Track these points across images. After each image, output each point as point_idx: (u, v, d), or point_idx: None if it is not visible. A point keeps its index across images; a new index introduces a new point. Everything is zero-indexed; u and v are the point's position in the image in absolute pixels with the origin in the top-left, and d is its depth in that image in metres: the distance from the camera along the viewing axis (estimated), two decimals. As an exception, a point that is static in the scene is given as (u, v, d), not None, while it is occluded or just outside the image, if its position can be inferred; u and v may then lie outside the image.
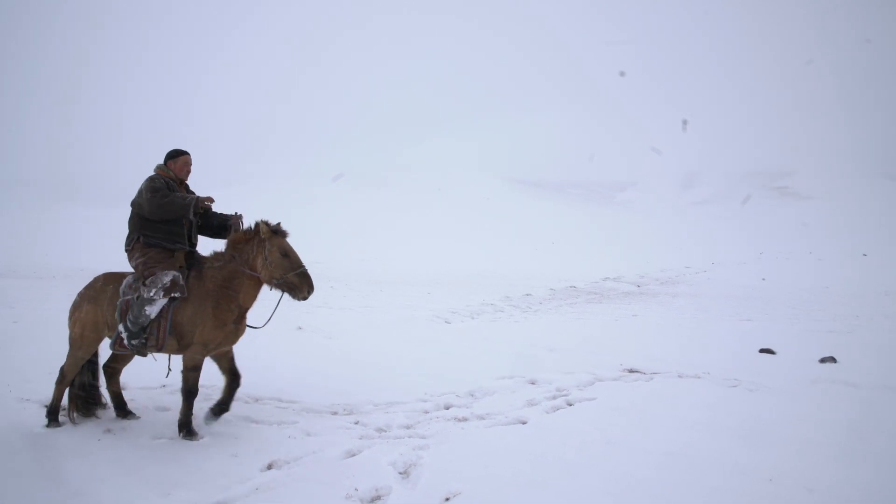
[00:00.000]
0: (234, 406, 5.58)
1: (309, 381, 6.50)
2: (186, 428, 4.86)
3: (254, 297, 5.14)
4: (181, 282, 4.88)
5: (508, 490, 3.92)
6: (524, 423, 5.27)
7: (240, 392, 5.93)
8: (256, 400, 5.84)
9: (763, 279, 23.32)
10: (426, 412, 5.57)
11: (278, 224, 5.09)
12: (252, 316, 5.27)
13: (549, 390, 6.26)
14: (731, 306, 15.15)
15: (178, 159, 5.31)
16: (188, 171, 5.38)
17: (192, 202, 5.01)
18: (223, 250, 5.13)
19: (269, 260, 4.93)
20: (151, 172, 5.25)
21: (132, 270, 5.18)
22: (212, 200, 5.21)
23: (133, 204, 5.13)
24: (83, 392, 5.21)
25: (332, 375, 6.78)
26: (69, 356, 5.10)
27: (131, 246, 5.08)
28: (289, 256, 4.97)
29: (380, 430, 5.06)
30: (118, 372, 5.44)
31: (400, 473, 4.21)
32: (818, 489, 3.92)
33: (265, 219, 5.09)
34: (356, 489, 3.90)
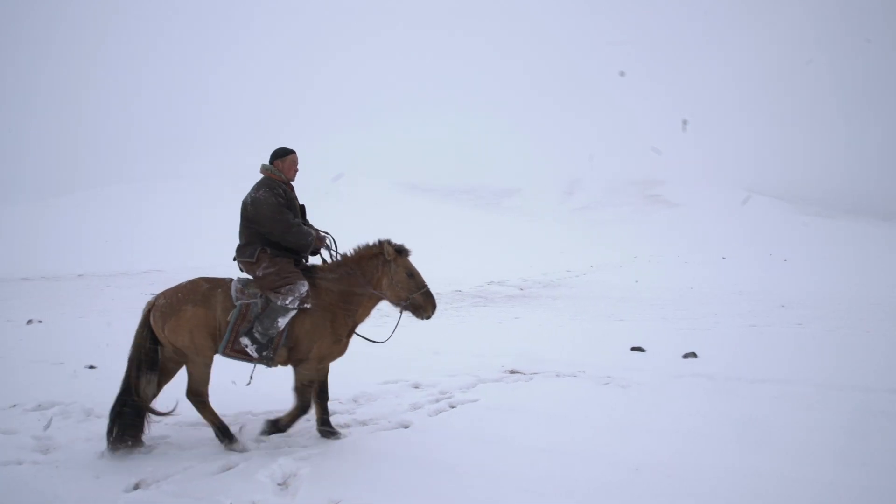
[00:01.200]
0: (98, 423, 5.21)
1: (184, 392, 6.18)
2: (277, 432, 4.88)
3: (368, 314, 5.12)
4: (309, 294, 4.77)
5: (390, 495, 3.92)
6: (407, 427, 5.30)
7: (106, 408, 5.56)
8: (124, 416, 5.46)
9: (636, 281, 24.85)
10: (307, 420, 5.43)
11: (402, 244, 5.08)
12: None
13: (433, 393, 6.33)
14: (607, 307, 16.02)
15: (285, 159, 5.08)
16: (296, 171, 5.16)
17: (311, 243, 4.89)
18: (339, 262, 5.05)
19: (395, 280, 4.95)
20: (260, 175, 5.04)
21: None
22: (324, 244, 5.11)
23: (248, 213, 4.87)
24: (130, 415, 4.57)
25: (212, 388, 6.48)
26: (191, 368, 4.70)
27: (256, 257, 4.79)
28: (413, 276, 5.01)
29: (258, 440, 4.89)
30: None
31: (278, 485, 4.10)
32: (677, 475, 4.23)
33: (388, 238, 5.07)
34: (231, 504, 3.76)
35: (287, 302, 4.64)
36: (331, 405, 5.83)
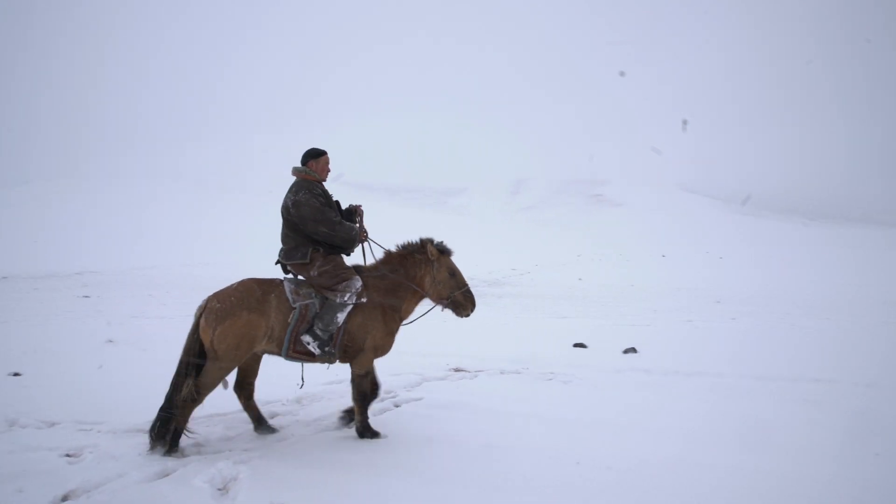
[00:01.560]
0: (22, 434, 4.97)
1: (118, 398, 5.95)
2: (369, 431, 4.93)
3: (412, 311, 5.24)
4: (363, 289, 4.94)
5: (333, 497, 3.87)
6: (351, 427, 5.25)
7: (32, 417, 5.32)
8: (52, 424, 5.21)
9: (580, 279, 25.32)
10: (249, 422, 5.34)
11: (443, 243, 5.25)
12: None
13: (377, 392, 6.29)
14: (550, 305, 16.26)
15: (319, 160, 5.15)
16: (328, 171, 5.22)
17: (355, 237, 5.06)
18: (382, 260, 5.22)
19: (438, 279, 5.12)
20: (294, 177, 5.11)
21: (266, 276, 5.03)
22: (365, 236, 5.25)
23: (291, 216, 4.94)
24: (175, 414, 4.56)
25: (146, 391, 6.23)
26: (213, 370, 4.62)
27: (309, 257, 4.89)
28: (455, 276, 5.19)
29: (197, 445, 4.76)
30: (252, 386, 5.12)
31: (218, 490, 3.99)
32: (616, 467, 4.33)
33: (430, 237, 5.24)
34: (166, 512, 3.63)
35: (345, 298, 4.80)
36: (273, 407, 5.77)
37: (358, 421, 4.97)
